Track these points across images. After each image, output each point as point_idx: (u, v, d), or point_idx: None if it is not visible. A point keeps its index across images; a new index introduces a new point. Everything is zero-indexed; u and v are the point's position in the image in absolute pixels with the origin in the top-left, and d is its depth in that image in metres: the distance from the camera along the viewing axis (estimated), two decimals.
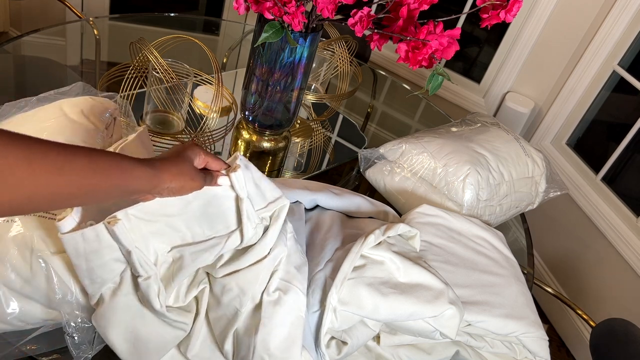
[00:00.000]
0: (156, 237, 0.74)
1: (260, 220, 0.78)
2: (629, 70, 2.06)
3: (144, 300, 0.74)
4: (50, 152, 0.55)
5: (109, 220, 0.69)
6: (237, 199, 0.75)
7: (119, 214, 0.69)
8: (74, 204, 0.66)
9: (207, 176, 0.74)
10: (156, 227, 0.73)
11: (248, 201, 0.75)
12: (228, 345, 0.76)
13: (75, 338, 0.76)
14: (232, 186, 0.74)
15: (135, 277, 0.73)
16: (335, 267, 0.83)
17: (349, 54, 1.47)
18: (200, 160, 0.73)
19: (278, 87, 1.17)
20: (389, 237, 0.89)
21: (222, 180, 0.74)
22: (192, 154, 0.73)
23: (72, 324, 0.76)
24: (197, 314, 0.79)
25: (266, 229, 0.79)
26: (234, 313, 0.76)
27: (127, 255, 0.71)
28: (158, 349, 0.77)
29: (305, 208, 1.00)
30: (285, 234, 0.81)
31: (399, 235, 0.92)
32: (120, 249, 0.70)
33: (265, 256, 0.77)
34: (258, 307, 0.76)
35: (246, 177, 0.75)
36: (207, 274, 0.80)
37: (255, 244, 0.78)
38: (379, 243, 0.86)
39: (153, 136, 1.16)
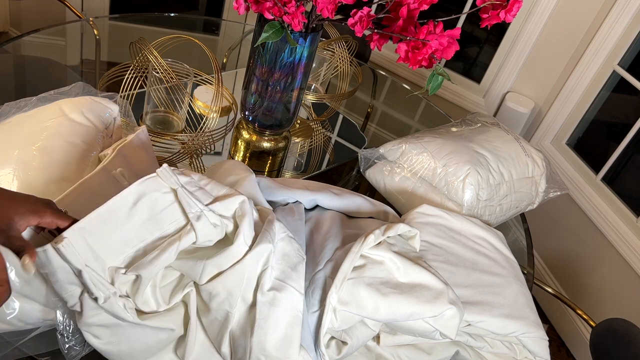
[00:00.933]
0: (109, 255, 0.70)
1: (219, 218, 0.75)
2: (629, 70, 2.06)
3: (114, 316, 0.72)
4: None
5: (56, 240, 0.66)
6: (174, 192, 0.74)
7: (67, 232, 0.66)
8: None
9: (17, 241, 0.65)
10: (108, 242, 0.70)
11: (182, 190, 0.74)
12: (225, 348, 0.76)
13: (67, 337, 0.76)
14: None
15: (95, 299, 0.70)
16: (335, 267, 0.83)
17: (349, 54, 1.47)
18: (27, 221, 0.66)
19: (278, 87, 1.17)
20: (389, 237, 0.89)
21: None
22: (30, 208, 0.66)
23: (69, 323, 0.76)
24: (188, 318, 0.78)
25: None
26: (225, 316, 0.75)
27: (78, 275, 0.68)
28: (144, 355, 0.76)
29: (305, 208, 1.00)
30: (270, 232, 0.79)
31: (399, 235, 0.92)
32: (71, 269, 0.67)
33: (245, 254, 0.75)
34: (252, 307, 0.75)
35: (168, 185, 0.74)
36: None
37: (229, 245, 0.75)
38: (379, 243, 0.86)
39: (153, 136, 1.16)
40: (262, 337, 0.73)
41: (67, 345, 0.76)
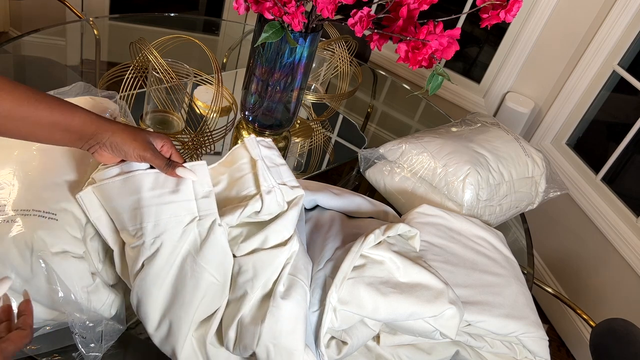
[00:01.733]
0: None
1: (282, 199, 0.82)
2: (629, 70, 2.06)
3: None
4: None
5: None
6: (252, 162, 0.82)
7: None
8: (15, 135, 0.70)
9: (165, 160, 0.78)
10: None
11: (262, 163, 0.82)
12: (232, 332, 0.77)
13: (85, 337, 0.76)
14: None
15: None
16: (335, 266, 0.83)
17: (349, 54, 1.47)
18: (163, 147, 0.79)
19: (278, 87, 1.17)
20: (389, 237, 0.89)
21: (183, 172, 0.78)
22: (155, 136, 0.78)
23: (78, 323, 0.76)
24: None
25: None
26: (243, 296, 0.77)
27: (207, 194, 0.79)
28: (192, 300, 0.77)
29: (305, 208, 1.00)
30: (297, 233, 0.83)
31: (399, 235, 0.92)
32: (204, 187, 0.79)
33: (287, 241, 0.79)
34: (266, 297, 0.76)
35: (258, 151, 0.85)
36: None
37: (275, 220, 0.80)
38: (379, 243, 0.86)
39: None
40: (274, 325, 0.73)
41: (85, 344, 0.76)
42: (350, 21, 0.97)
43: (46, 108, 0.69)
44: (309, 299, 0.78)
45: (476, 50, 2.74)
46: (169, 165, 0.78)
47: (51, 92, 1.05)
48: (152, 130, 0.89)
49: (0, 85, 0.65)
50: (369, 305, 0.79)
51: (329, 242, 0.90)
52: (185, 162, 0.81)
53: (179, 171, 0.78)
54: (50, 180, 0.83)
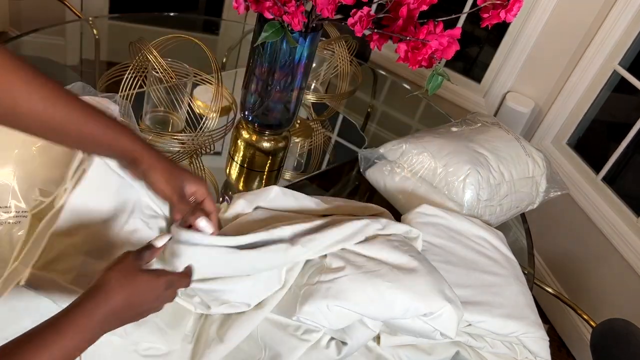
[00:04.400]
0: None
1: None
2: (630, 70, 2.06)
3: None
4: (49, 83, 0.63)
5: None
6: None
7: None
8: (62, 142, 0.70)
9: (189, 207, 0.78)
10: None
11: None
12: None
13: None
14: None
15: None
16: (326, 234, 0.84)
17: (349, 53, 1.47)
18: (197, 192, 0.79)
19: (278, 87, 1.17)
20: (389, 235, 0.89)
21: (202, 224, 0.78)
22: (192, 180, 0.79)
23: None
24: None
25: None
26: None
27: None
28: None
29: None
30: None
31: (404, 237, 0.92)
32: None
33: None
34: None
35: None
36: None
37: None
38: (375, 237, 0.86)
39: (153, 136, 1.16)
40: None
41: None
42: (350, 21, 0.96)
43: (96, 125, 0.69)
44: None
45: (476, 50, 2.74)
46: (192, 214, 0.78)
47: None
48: (186, 168, 0.87)
49: (57, 93, 0.65)
50: (362, 301, 0.79)
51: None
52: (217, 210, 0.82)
53: (199, 221, 0.78)
54: (50, 180, 0.83)
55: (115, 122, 0.72)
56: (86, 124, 0.67)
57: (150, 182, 0.76)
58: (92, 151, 0.74)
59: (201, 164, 1.24)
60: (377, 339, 0.88)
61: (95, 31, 1.70)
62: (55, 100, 0.63)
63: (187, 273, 0.72)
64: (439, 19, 0.97)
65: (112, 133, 0.71)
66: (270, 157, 1.30)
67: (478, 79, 2.59)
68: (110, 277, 0.60)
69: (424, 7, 0.97)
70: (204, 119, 1.18)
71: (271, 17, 1.00)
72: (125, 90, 1.14)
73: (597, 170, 2.13)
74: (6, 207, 0.79)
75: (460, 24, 2.48)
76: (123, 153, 0.73)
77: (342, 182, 1.35)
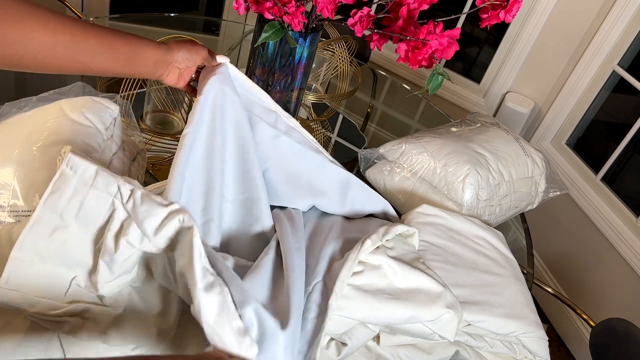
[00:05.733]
0: None
1: None
2: (629, 70, 2.06)
3: None
4: (65, 20, 0.66)
5: None
6: None
7: None
8: (88, 69, 0.75)
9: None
10: None
11: None
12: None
13: None
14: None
15: None
16: (334, 273, 0.82)
17: (349, 54, 1.47)
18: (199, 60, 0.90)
19: (278, 87, 1.17)
20: (387, 240, 0.89)
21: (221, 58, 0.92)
22: (183, 45, 0.86)
23: None
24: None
25: None
26: None
27: None
28: None
29: (303, 211, 1.00)
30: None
31: (398, 235, 0.92)
32: None
33: None
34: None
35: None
36: None
37: None
38: (377, 247, 0.86)
39: (153, 136, 1.16)
40: None
41: None
42: (350, 21, 0.97)
43: (123, 43, 0.74)
44: (303, 304, 0.77)
45: (476, 50, 2.74)
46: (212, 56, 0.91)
47: (51, 92, 1.05)
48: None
49: (83, 25, 0.69)
50: (365, 312, 0.79)
51: (328, 247, 0.89)
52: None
53: (219, 57, 0.92)
54: (50, 180, 0.83)
55: (131, 35, 0.76)
56: (115, 44, 0.73)
57: (189, 53, 0.86)
58: (127, 70, 0.78)
59: None
60: (377, 338, 0.88)
61: None
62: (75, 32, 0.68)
63: None
64: (439, 19, 0.97)
65: (139, 43, 0.77)
66: None
67: (478, 79, 2.59)
68: None
69: (424, 7, 0.97)
70: None
71: (271, 17, 1.00)
72: (126, 91, 1.14)
73: (596, 170, 2.14)
74: (6, 206, 0.79)
75: (459, 24, 2.48)
76: (157, 53, 0.79)
77: None
